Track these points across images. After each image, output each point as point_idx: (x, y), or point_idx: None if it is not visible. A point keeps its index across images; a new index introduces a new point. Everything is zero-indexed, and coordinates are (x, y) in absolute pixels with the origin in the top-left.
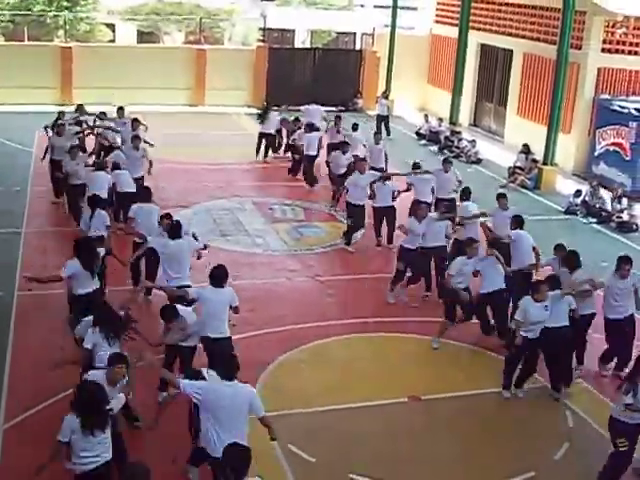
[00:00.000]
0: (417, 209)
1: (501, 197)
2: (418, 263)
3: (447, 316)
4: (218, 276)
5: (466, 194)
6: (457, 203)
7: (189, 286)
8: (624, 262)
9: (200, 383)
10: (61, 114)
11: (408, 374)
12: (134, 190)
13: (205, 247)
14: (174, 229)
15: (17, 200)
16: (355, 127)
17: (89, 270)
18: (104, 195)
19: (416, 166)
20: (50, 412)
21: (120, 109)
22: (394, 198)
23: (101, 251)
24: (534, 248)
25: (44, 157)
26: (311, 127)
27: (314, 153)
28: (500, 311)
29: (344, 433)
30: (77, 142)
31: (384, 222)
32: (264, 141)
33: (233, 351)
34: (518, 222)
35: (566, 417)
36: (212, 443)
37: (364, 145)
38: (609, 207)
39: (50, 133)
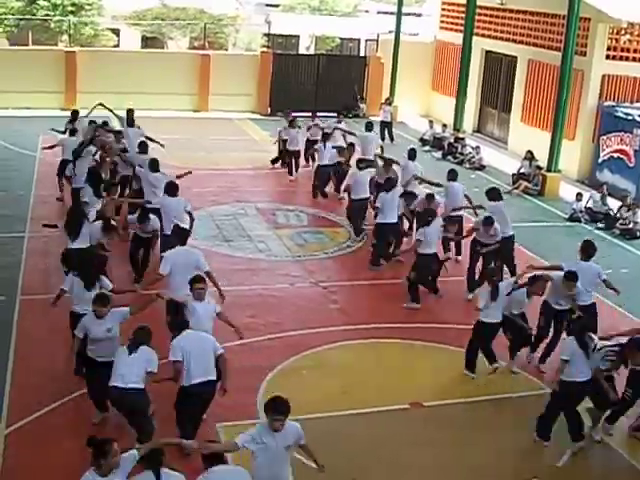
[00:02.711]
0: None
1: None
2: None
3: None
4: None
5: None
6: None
7: None
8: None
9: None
10: (75, 114)
11: (410, 380)
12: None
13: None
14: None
15: (20, 204)
16: (369, 127)
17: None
18: None
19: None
20: (53, 417)
21: (130, 112)
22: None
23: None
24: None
25: (51, 147)
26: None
27: (366, 196)
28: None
29: (346, 439)
30: (94, 164)
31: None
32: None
33: None
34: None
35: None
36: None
37: (381, 147)
38: (617, 214)
39: (60, 135)
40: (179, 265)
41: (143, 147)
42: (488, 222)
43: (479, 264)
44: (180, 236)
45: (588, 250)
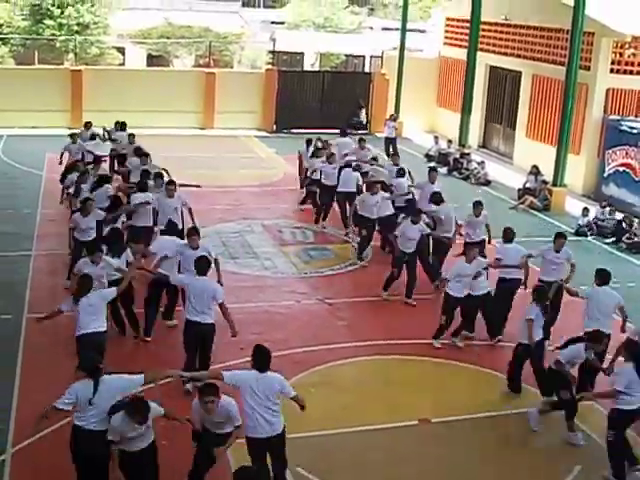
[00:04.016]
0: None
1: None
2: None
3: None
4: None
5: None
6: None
7: None
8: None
9: None
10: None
11: (418, 397)
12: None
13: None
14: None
15: (27, 222)
16: (361, 142)
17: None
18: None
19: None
20: (58, 435)
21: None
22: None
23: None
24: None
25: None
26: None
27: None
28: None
29: (354, 456)
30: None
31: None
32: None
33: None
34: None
35: (578, 439)
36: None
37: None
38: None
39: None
40: (166, 250)
41: (139, 151)
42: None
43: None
44: (174, 231)
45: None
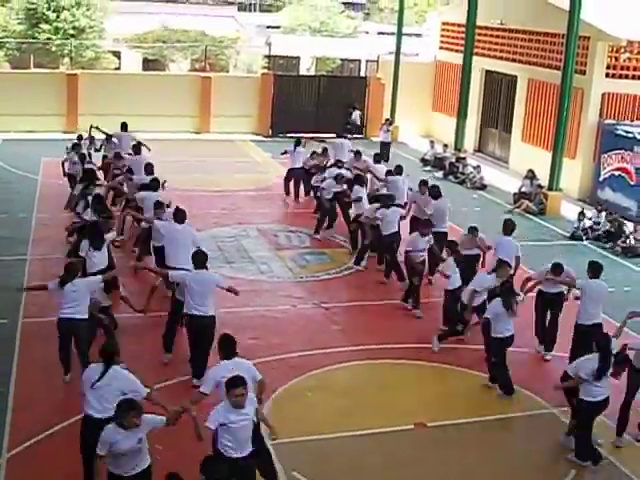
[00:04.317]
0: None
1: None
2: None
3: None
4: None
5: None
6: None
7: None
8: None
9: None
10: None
11: (414, 401)
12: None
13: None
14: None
15: (22, 226)
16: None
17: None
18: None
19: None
20: (54, 440)
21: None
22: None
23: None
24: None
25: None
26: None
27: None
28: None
29: (350, 460)
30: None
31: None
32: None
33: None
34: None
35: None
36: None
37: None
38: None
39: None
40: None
41: (136, 149)
42: None
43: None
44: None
45: (595, 269)
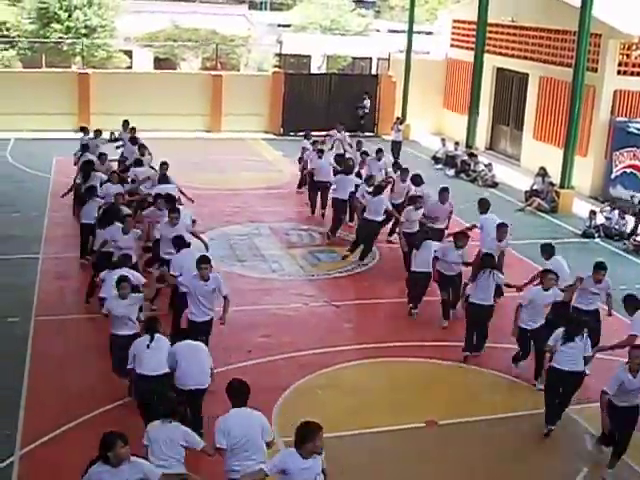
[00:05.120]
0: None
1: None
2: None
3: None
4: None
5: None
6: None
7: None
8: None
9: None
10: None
11: (425, 399)
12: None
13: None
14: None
15: (34, 225)
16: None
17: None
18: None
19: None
20: (67, 437)
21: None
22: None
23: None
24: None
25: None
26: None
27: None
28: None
29: (360, 458)
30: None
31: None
32: None
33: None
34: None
35: (585, 441)
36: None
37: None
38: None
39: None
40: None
41: (142, 149)
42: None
43: None
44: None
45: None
